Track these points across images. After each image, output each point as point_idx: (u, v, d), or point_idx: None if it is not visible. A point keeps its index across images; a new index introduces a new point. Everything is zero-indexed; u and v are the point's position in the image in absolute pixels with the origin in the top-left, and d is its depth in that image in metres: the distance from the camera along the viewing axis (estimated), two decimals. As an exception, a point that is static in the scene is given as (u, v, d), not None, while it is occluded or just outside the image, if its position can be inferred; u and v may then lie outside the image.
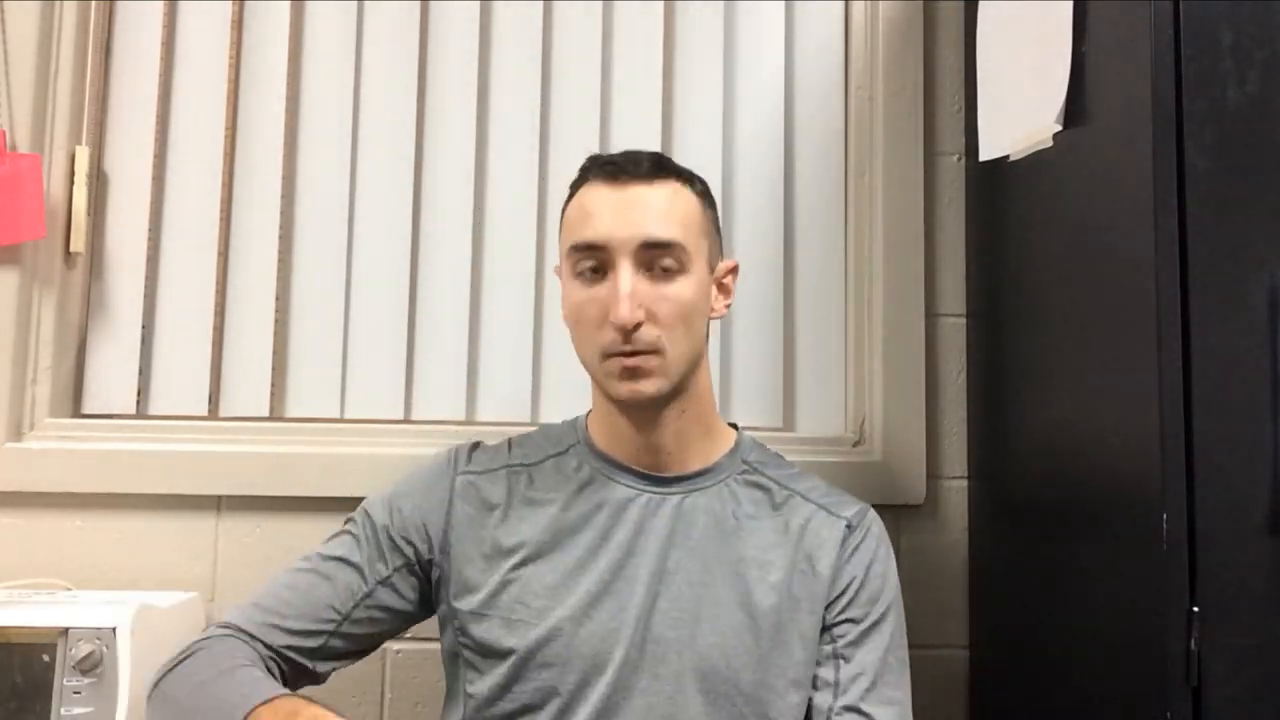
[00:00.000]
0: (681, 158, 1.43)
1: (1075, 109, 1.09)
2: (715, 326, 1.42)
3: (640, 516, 0.99)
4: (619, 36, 1.46)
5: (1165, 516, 0.89)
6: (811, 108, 1.48)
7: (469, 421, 1.40)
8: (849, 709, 0.95)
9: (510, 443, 1.07)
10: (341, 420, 1.39)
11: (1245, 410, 0.89)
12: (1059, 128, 1.11)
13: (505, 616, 0.96)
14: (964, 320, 1.41)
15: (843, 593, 0.98)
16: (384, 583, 0.99)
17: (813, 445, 1.38)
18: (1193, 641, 0.87)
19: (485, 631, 0.96)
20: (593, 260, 0.95)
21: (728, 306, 1.04)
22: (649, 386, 0.94)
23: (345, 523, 1.04)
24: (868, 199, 1.43)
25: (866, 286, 1.42)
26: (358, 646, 1.01)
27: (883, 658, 0.97)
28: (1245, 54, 0.92)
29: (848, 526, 1.01)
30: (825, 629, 0.98)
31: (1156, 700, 0.89)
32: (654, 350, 0.94)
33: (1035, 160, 1.17)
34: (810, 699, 0.97)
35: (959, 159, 1.43)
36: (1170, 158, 0.92)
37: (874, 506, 1.34)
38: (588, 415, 1.06)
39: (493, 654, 0.96)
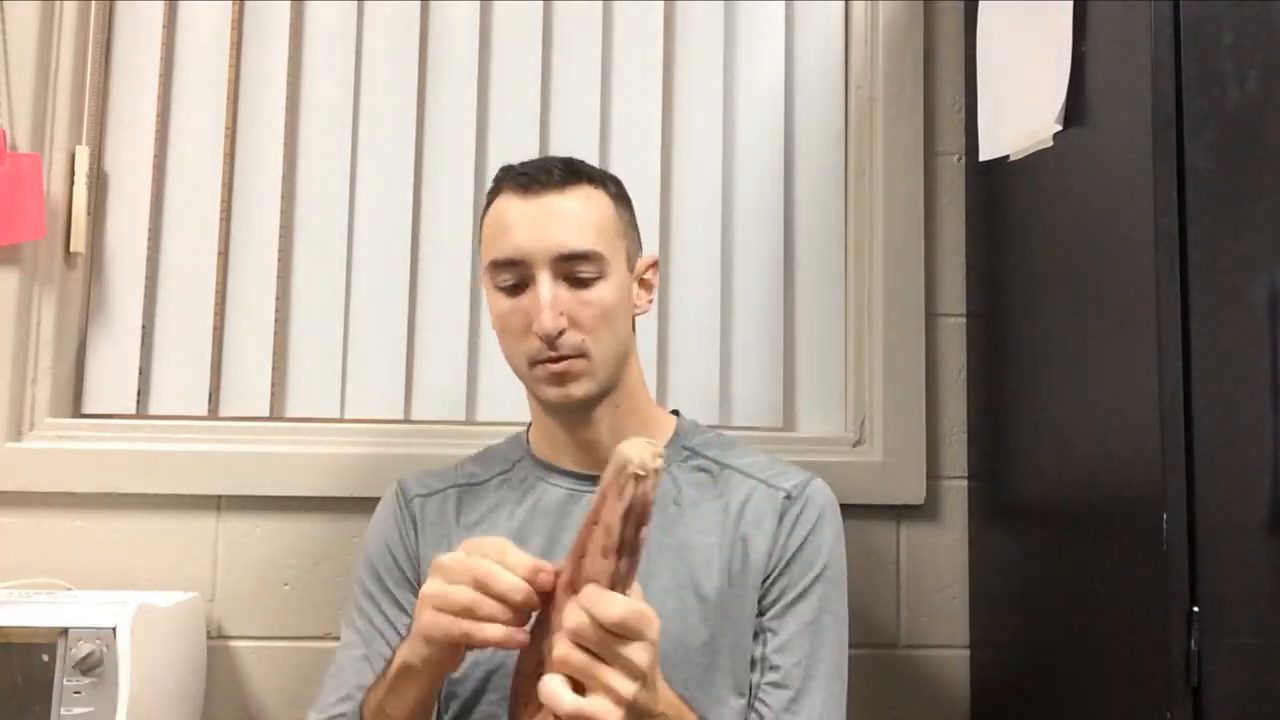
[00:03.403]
0: (681, 158, 1.45)
1: (1075, 109, 1.09)
2: (715, 327, 1.42)
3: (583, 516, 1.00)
4: (619, 36, 1.46)
5: (1165, 516, 0.89)
6: (811, 108, 1.48)
7: (469, 421, 1.40)
8: (773, 685, 0.94)
9: (463, 462, 1.09)
10: (341, 420, 1.39)
11: (1245, 410, 0.89)
12: (1059, 128, 1.11)
13: None
14: (964, 320, 1.41)
15: (776, 563, 0.98)
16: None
17: (813, 445, 1.38)
18: (1193, 641, 0.87)
19: None
20: (512, 275, 0.97)
21: (650, 301, 1.06)
22: (577, 389, 0.96)
23: (354, 606, 1.03)
24: (868, 199, 1.43)
25: (866, 286, 1.42)
26: None
27: (809, 628, 0.96)
28: (1245, 54, 0.92)
29: (787, 497, 1.00)
30: (759, 601, 0.98)
31: (1156, 700, 0.89)
32: (580, 354, 0.96)
33: (1035, 160, 1.17)
34: None
35: (959, 159, 1.43)
36: (1170, 158, 0.92)
37: (874, 507, 1.36)
38: (529, 428, 1.08)
39: (459, 675, 0.96)
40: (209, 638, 1.29)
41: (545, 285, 0.95)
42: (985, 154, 1.29)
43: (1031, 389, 1.21)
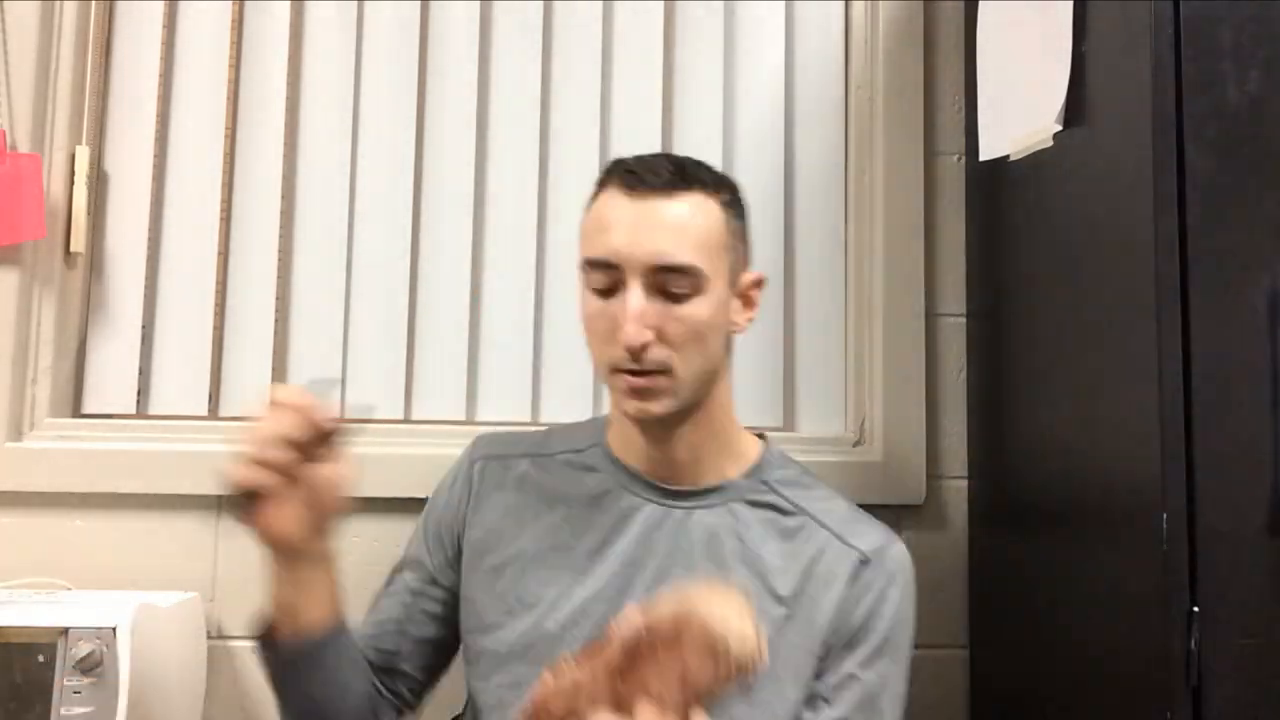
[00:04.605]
0: (681, 157, 1.45)
1: (1075, 109, 1.09)
2: (715, 326, 1.42)
3: (644, 530, 0.97)
4: (619, 36, 1.46)
5: (1165, 516, 0.89)
6: (811, 108, 1.47)
7: (469, 421, 1.40)
8: None
9: (543, 433, 1.09)
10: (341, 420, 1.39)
11: (1245, 410, 0.89)
12: (1059, 128, 1.11)
13: (502, 608, 0.97)
14: (964, 320, 1.41)
15: (839, 631, 0.93)
16: (439, 575, 1.03)
17: (813, 445, 1.38)
18: (1193, 641, 0.87)
19: (479, 620, 0.98)
20: (605, 277, 0.92)
21: (750, 320, 1.00)
22: (656, 407, 0.92)
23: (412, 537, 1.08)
24: (868, 199, 1.43)
25: (866, 286, 1.42)
26: (424, 658, 1.03)
27: (866, 703, 0.92)
28: (1245, 54, 0.92)
29: (861, 561, 0.95)
30: (819, 665, 0.93)
31: (1156, 700, 0.89)
32: (663, 370, 0.91)
33: (1035, 160, 1.17)
34: None
35: (959, 159, 1.43)
36: (1170, 158, 0.92)
37: (874, 507, 1.35)
38: (608, 417, 1.05)
39: (482, 646, 0.98)
40: (209, 638, 1.29)
41: (635, 295, 0.90)
42: (985, 154, 1.28)
43: (1031, 389, 1.21)
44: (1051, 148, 1.13)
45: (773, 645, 0.89)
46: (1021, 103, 1.20)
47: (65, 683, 1.04)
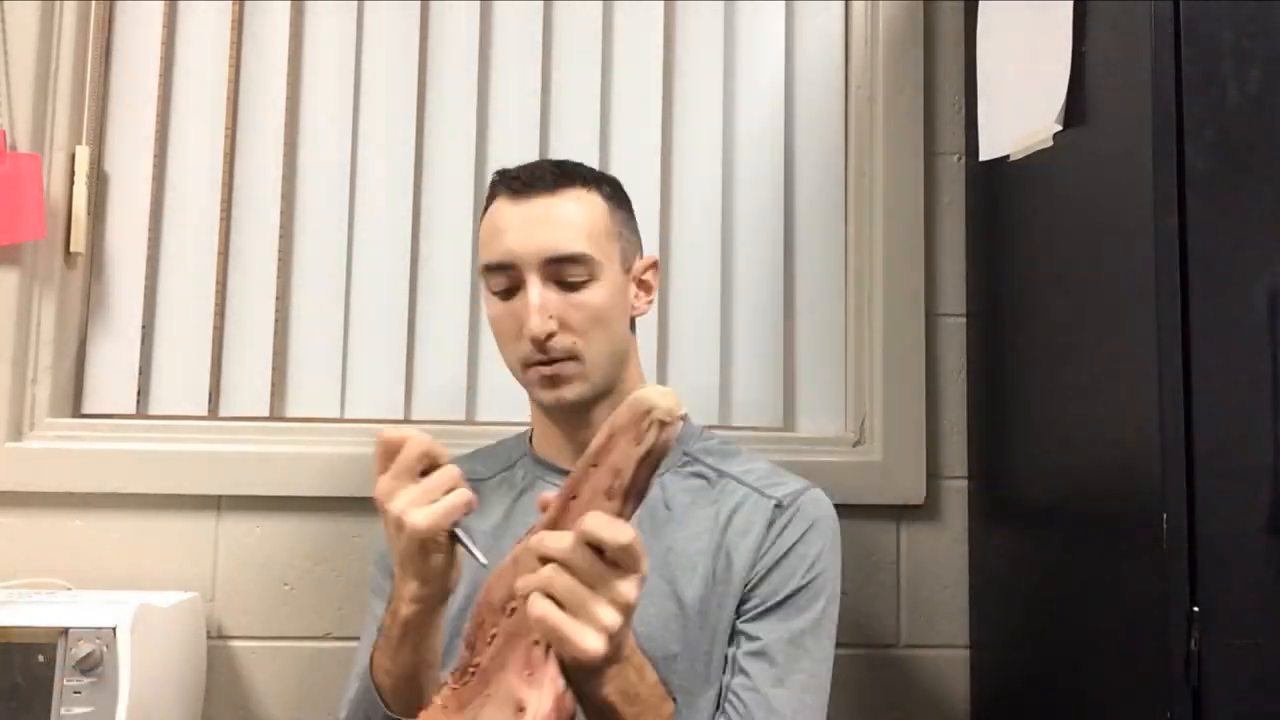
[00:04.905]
0: (681, 158, 1.45)
1: (1075, 109, 1.09)
2: (715, 327, 1.42)
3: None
4: (619, 36, 1.46)
5: (1165, 516, 0.89)
6: (811, 108, 1.47)
7: (469, 421, 1.40)
8: (748, 689, 0.91)
9: (474, 454, 1.10)
10: (341, 420, 1.39)
11: (1245, 410, 0.89)
12: (1059, 128, 1.11)
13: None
14: (964, 320, 1.41)
15: (758, 571, 0.95)
16: None
17: (813, 445, 1.38)
18: (1193, 641, 0.87)
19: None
20: (504, 279, 0.98)
21: (649, 303, 1.06)
22: (570, 392, 0.97)
23: (370, 606, 1.05)
24: (868, 199, 1.43)
25: (866, 286, 1.42)
26: None
27: (790, 638, 0.93)
28: (1245, 54, 0.92)
29: (777, 506, 0.98)
30: (738, 606, 0.95)
31: (1156, 700, 0.89)
32: (571, 356, 0.96)
33: (1035, 160, 1.17)
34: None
35: (959, 159, 1.43)
36: (1170, 158, 0.92)
37: (874, 507, 1.36)
38: (530, 428, 1.09)
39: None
40: (209, 638, 1.29)
41: (534, 288, 0.95)
42: (985, 154, 1.29)
43: (1031, 389, 1.21)
44: (1051, 148, 1.13)
45: (702, 605, 0.94)
46: (1021, 103, 1.20)
47: (65, 683, 1.03)
